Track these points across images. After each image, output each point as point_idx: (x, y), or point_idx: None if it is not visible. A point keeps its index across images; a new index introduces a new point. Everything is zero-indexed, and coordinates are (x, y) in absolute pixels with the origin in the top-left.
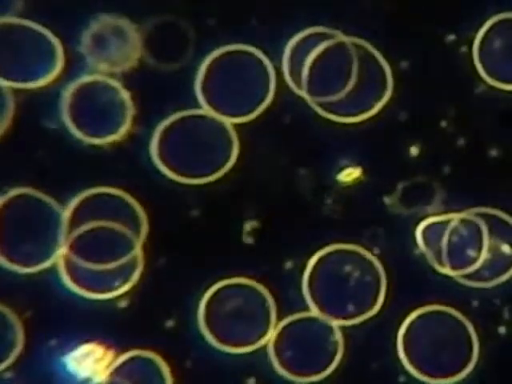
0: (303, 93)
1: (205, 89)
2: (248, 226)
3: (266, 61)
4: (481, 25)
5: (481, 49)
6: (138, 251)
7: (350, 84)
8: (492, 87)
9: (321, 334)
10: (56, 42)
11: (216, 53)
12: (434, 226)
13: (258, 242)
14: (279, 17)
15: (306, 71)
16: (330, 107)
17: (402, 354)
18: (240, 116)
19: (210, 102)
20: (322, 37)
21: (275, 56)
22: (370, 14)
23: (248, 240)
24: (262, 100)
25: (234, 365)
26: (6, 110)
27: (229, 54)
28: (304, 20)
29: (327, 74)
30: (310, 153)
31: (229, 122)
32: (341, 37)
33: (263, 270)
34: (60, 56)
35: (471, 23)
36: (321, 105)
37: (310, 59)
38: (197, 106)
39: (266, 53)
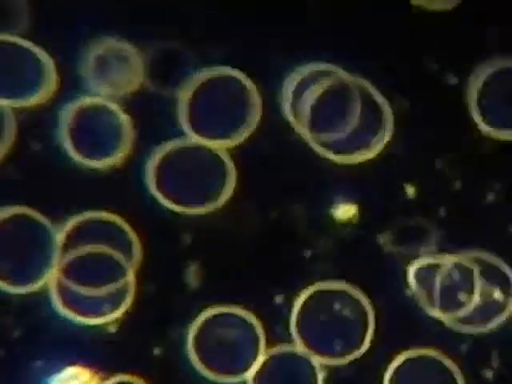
0: (304, 130)
1: (190, 117)
2: (240, 256)
3: (250, 83)
4: (482, 71)
5: (479, 95)
6: (129, 277)
7: (351, 123)
8: (487, 136)
9: (304, 370)
10: (49, 62)
11: (198, 79)
12: (426, 267)
13: (248, 273)
14: (282, 52)
15: (306, 108)
16: (329, 145)
17: None
18: (227, 140)
19: (197, 130)
20: (323, 74)
21: (276, 91)
22: (371, 53)
23: (239, 271)
24: (247, 124)
25: None
26: (8, 131)
27: (211, 79)
28: (306, 57)
29: (328, 111)
30: (306, 188)
31: (223, 149)
32: (342, 75)
33: (252, 302)
34: (53, 76)
35: (474, 68)
36: (321, 142)
37: (310, 96)
38: (184, 134)
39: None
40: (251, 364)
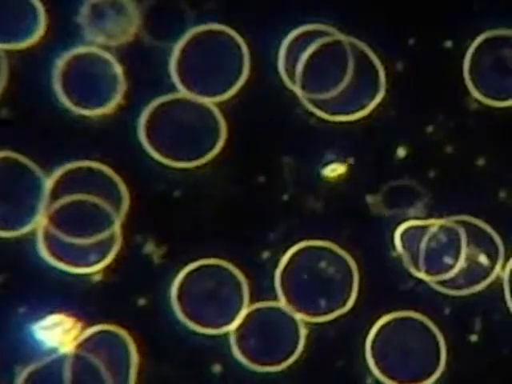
0: (296, 88)
1: (182, 71)
2: (228, 211)
3: (242, 40)
4: (475, 37)
5: (472, 61)
6: (116, 228)
7: (344, 82)
8: (478, 101)
9: (287, 326)
10: (39, 6)
11: (192, 34)
12: (413, 229)
13: (236, 228)
14: (278, 11)
15: (300, 67)
16: (321, 104)
17: (369, 356)
18: (219, 96)
19: (188, 84)
20: (318, 34)
21: (271, 50)
22: (369, 14)
23: (226, 225)
24: (237, 79)
25: (201, 348)
26: (0, 75)
27: (201, 34)
28: (302, 16)
29: (321, 71)
30: (296, 146)
31: (214, 104)
32: (338, 35)
33: (238, 257)
34: (44, 21)
35: (469, 34)
36: (313, 101)
37: (305, 56)
38: (173, 88)
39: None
40: (234, 317)
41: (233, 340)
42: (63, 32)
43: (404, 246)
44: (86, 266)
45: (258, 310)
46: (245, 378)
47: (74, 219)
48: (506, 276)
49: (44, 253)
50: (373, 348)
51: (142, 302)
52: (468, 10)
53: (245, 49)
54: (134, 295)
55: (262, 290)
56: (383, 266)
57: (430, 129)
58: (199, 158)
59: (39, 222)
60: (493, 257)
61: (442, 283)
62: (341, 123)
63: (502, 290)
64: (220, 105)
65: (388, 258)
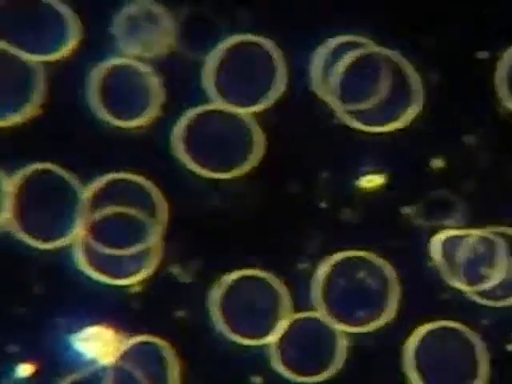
0: (332, 99)
1: (217, 82)
2: (266, 222)
3: (277, 51)
4: (511, 47)
5: (507, 72)
6: (155, 239)
7: (380, 94)
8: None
9: (326, 337)
10: (75, 17)
11: (226, 45)
12: (451, 240)
13: (274, 239)
14: (313, 23)
15: (335, 78)
16: (358, 115)
17: (408, 366)
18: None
19: (223, 95)
20: (354, 45)
21: (307, 61)
22: (404, 26)
23: (264, 236)
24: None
25: (241, 360)
26: (38, 88)
27: (236, 45)
28: (337, 28)
29: (357, 82)
30: (334, 156)
31: (248, 114)
32: (373, 47)
33: (278, 268)
34: (78, 31)
35: (504, 44)
36: (349, 112)
37: (340, 67)
38: (209, 99)
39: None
40: (274, 328)
41: (272, 351)
42: (99, 44)
43: (442, 257)
44: (124, 277)
45: (297, 321)
46: None
47: (111, 231)
48: None
49: (82, 264)
50: (412, 358)
51: (180, 313)
52: (503, 21)
53: (280, 60)
54: (173, 306)
55: (301, 301)
56: (421, 276)
57: (466, 140)
58: (236, 168)
59: (77, 233)
60: None
61: (480, 294)
62: (377, 134)
63: None
64: (256, 115)
65: (426, 268)
